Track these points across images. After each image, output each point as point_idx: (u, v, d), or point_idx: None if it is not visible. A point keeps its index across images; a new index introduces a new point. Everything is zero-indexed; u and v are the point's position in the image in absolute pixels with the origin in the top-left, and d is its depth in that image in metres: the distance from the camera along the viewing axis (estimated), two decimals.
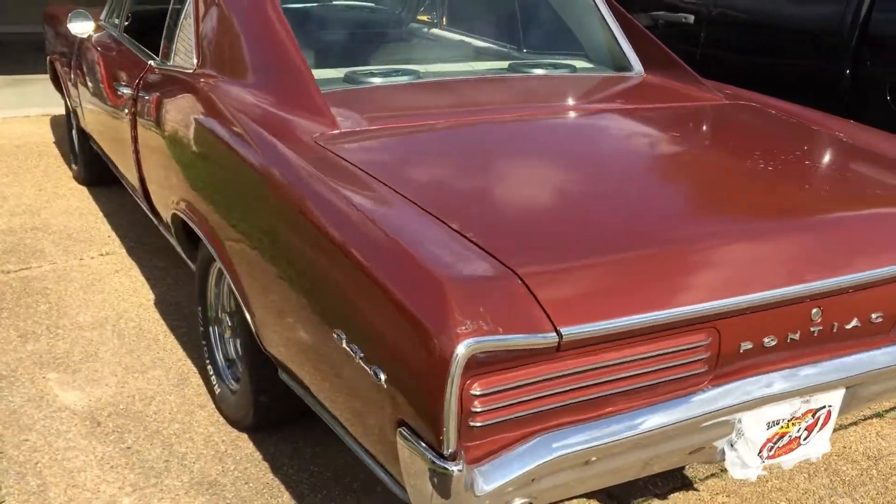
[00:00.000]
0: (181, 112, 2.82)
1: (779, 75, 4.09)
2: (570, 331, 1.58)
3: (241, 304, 2.37)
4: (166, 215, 3.13)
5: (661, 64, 3.21)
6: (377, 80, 2.83)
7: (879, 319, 2.00)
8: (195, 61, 2.95)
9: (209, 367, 2.94)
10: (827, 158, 2.39)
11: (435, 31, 4.21)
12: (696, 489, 2.60)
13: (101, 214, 4.78)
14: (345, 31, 3.65)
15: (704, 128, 2.66)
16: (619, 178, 2.18)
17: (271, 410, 2.63)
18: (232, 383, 2.84)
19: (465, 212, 1.87)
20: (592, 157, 2.34)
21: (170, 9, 3.39)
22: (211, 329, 2.94)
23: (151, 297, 3.76)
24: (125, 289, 3.82)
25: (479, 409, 1.57)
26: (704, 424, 1.82)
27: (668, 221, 1.91)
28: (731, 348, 1.82)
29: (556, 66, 3.19)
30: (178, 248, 3.32)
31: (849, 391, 2.05)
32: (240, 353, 2.80)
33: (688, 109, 2.79)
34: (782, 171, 2.24)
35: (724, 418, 1.85)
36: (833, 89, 3.86)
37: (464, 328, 1.50)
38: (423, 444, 1.56)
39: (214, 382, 2.90)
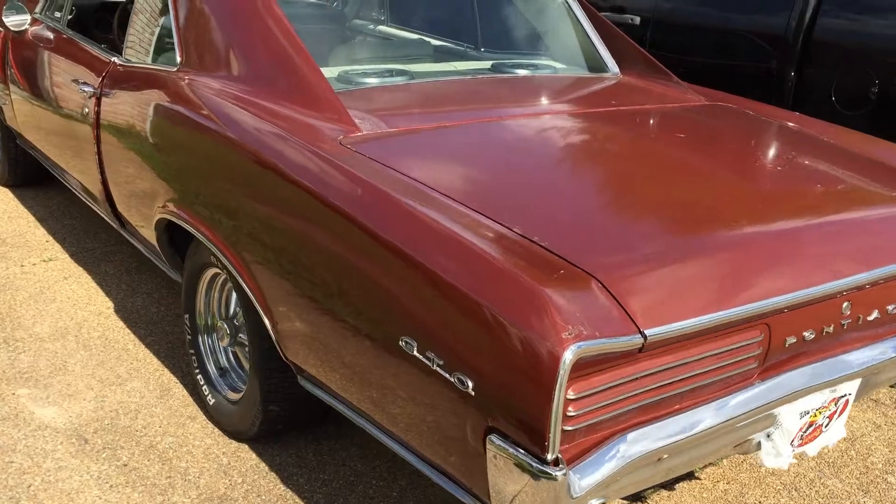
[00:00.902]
0: (168, 113, 2.71)
1: (724, 76, 4.25)
2: (654, 332, 1.61)
3: (261, 313, 2.29)
4: (143, 220, 2.99)
5: (637, 65, 3.29)
6: (373, 81, 2.79)
7: (895, 311, 2.13)
8: (178, 59, 2.82)
9: (199, 377, 2.84)
10: (827, 160, 2.51)
11: (383, 28, 4.17)
12: (698, 478, 2.69)
13: (32, 218, 4.52)
14: (313, 31, 3.57)
15: (712, 130, 2.75)
16: (659, 177, 2.23)
17: (281, 420, 2.57)
18: (228, 393, 2.75)
19: (524, 215, 1.87)
20: (626, 156, 2.38)
21: (134, 3, 3.24)
22: (200, 338, 2.84)
23: (109, 304, 3.59)
24: (79, 297, 3.64)
25: (572, 413, 1.59)
26: (756, 417, 1.90)
27: (723, 222, 1.97)
28: (778, 343, 1.90)
29: (536, 67, 3.22)
30: (149, 253, 3.20)
31: (863, 380, 2.17)
32: (240, 361, 2.73)
33: (686, 111, 2.88)
34: (797, 173, 2.35)
35: (771, 410, 1.93)
36: (778, 90, 4.05)
37: (567, 333, 1.51)
38: (522, 451, 1.56)
39: (207, 393, 2.80)
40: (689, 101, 3.02)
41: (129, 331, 3.38)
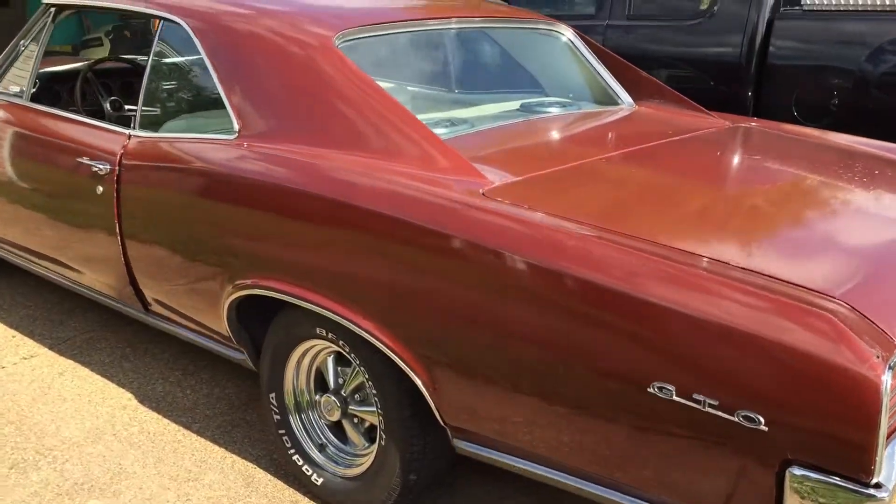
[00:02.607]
0: (244, 186, 2.53)
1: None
2: None
3: (415, 379, 2.20)
4: (200, 301, 2.79)
5: (650, 95, 3.42)
6: (443, 131, 2.75)
7: None
8: (235, 127, 2.65)
9: (295, 457, 2.68)
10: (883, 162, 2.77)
11: None
12: None
13: None
14: None
15: (784, 150, 2.93)
16: (807, 197, 2.36)
17: (418, 487, 2.47)
18: (340, 469, 2.61)
19: (737, 249, 1.92)
20: (768, 175, 2.52)
21: (146, 71, 3.02)
22: (292, 417, 2.68)
23: (128, 396, 3.30)
24: (90, 393, 3.32)
25: None
26: None
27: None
28: None
29: (563, 105, 3.28)
30: (193, 335, 2.97)
31: None
32: (341, 435, 2.62)
33: (744, 135, 3.06)
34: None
35: None
36: (738, 110, 4.33)
37: (876, 357, 1.57)
38: (839, 478, 1.60)
39: (310, 473, 2.64)
40: (721, 124, 3.19)
41: (167, 421, 3.12)
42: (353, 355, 2.42)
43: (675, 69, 4.54)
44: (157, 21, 3.00)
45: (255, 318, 2.71)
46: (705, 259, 1.84)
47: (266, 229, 2.50)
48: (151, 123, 2.99)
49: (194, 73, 2.91)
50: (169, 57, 3.05)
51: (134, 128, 3.01)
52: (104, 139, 3.07)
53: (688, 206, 2.25)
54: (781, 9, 4.29)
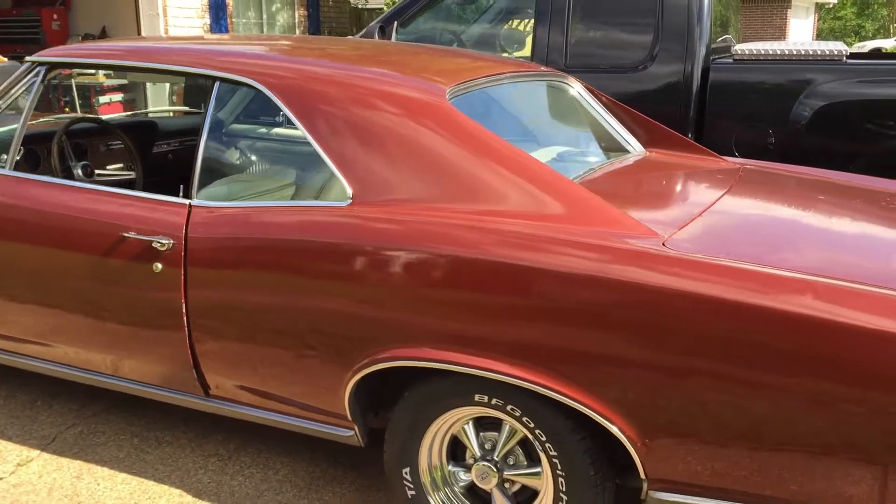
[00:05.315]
0: (369, 254, 2.41)
1: None
2: None
3: (623, 437, 2.21)
4: (299, 380, 2.62)
5: (652, 139, 3.62)
6: None
7: None
8: (348, 192, 2.52)
9: None
10: None
11: None
12: None
13: None
14: None
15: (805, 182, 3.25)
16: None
17: None
18: None
19: None
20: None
21: (201, 134, 2.76)
22: (428, 495, 2.57)
23: (177, 492, 2.98)
24: (130, 494, 2.96)
25: None
26: None
27: None
28: None
29: (596, 154, 3.41)
30: (266, 413, 2.76)
31: None
32: (504, 499, 2.56)
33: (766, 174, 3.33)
34: None
35: None
36: None
37: None
38: None
39: None
40: (735, 164, 3.46)
41: None
42: (525, 419, 2.37)
43: None
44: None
45: (375, 393, 2.58)
46: None
47: (418, 298, 2.39)
48: (216, 191, 2.76)
49: (273, 138, 2.71)
50: (231, 119, 2.83)
51: (191, 196, 2.76)
52: (155, 210, 2.78)
53: (848, 241, 2.46)
54: (713, 59, 4.70)
